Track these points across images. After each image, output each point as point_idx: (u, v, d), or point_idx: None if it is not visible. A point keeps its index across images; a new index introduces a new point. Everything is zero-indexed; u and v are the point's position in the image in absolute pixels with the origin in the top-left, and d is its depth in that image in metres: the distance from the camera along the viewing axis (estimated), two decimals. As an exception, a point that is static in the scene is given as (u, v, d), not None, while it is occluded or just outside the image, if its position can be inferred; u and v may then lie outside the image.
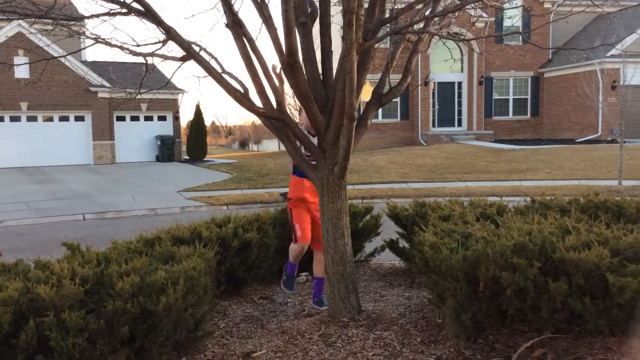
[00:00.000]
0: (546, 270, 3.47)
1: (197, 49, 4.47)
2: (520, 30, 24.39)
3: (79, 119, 23.51)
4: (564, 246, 3.49)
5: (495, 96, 26.97)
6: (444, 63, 23.30)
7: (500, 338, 3.76)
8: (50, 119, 23.18)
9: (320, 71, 4.57)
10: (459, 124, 26.73)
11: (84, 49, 6.07)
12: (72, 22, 5.10)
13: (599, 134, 23.83)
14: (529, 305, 3.49)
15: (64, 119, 23.35)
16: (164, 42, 4.67)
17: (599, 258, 3.32)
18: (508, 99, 27.23)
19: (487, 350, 3.64)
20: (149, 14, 4.41)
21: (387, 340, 3.93)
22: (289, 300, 5.22)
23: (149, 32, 8.38)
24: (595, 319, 3.33)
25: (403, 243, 5.97)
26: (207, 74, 4.45)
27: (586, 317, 3.35)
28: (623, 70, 15.23)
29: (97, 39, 4.82)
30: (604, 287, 3.27)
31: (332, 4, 4.70)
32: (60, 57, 6.77)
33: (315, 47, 4.58)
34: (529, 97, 27.33)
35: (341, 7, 3.75)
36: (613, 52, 21.19)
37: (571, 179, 15.40)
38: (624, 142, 14.83)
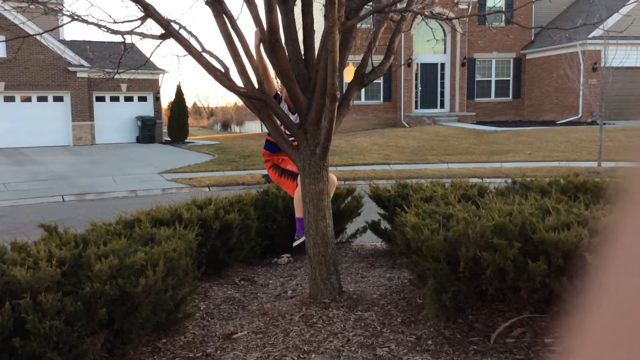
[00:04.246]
0: (526, 250, 3.49)
1: (176, 27, 4.38)
2: (503, 11, 24.41)
3: (58, 99, 23.10)
4: (544, 227, 3.52)
5: (478, 78, 27.02)
6: (427, 44, 23.24)
7: (480, 318, 3.79)
8: (29, 100, 22.75)
9: (302, 50, 4.51)
10: (442, 106, 26.76)
11: (60, 26, 5.93)
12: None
13: (579, 115, 24.03)
14: (509, 285, 3.51)
15: (43, 99, 22.93)
16: (143, 20, 4.57)
17: (578, 238, 3.35)
18: (490, 81, 27.30)
19: (467, 330, 3.67)
20: (126, -9, 4.31)
21: (368, 320, 3.94)
22: (270, 281, 5.21)
23: (127, 11, 8.22)
24: (573, 298, 3.37)
25: (385, 224, 5.98)
26: (186, 53, 4.37)
27: (564, 297, 3.38)
28: (604, 51, 15.32)
29: (73, 16, 4.71)
30: (583, 267, 3.30)
31: (313, -18, 4.62)
32: (36, 34, 6.61)
33: (297, 26, 4.52)
34: (510, 78, 27.42)
35: (323, -15, 3.69)
36: (594, 33, 21.30)
37: (552, 160, 15.55)
38: (604, 123, 14.97)
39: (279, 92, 4.81)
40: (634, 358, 0.28)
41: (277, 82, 4.85)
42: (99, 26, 4.67)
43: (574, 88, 21.01)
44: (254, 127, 46.89)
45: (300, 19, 4.49)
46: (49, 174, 15.63)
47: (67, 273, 3.44)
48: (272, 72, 4.60)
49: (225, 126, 57.38)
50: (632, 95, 23.43)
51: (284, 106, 4.76)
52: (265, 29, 4.14)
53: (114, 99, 24.37)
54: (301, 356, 3.47)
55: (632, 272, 0.30)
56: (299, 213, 4.95)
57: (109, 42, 22.32)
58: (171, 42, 4.44)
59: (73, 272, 3.48)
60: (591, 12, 19.08)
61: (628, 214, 0.31)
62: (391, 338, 3.64)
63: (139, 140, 24.17)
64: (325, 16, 3.68)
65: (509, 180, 5.64)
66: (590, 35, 21.76)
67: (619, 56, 15.58)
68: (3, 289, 3.23)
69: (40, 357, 3.18)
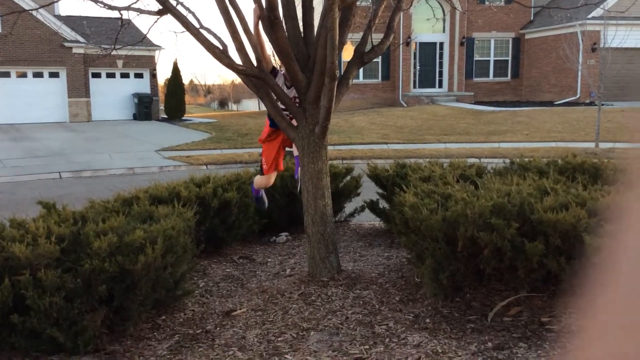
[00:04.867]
0: (524, 230, 3.51)
1: (174, 2, 4.33)
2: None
3: (54, 75, 22.91)
4: (542, 207, 3.53)
5: (477, 57, 26.87)
6: (426, 23, 23.05)
7: (477, 297, 3.82)
8: (24, 75, 22.56)
9: (301, 28, 4.47)
10: (440, 85, 26.64)
11: (57, 1, 5.86)
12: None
13: (577, 96, 23.97)
14: (506, 265, 3.53)
15: (38, 75, 22.74)
16: (140, -4, 4.52)
17: (576, 219, 3.36)
18: (489, 60, 27.15)
19: (464, 309, 3.70)
20: (124, -34, 4.25)
21: (367, 299, 3.97)
22: (269, 260, 5.23)
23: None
24: (570, 278, 3.39)
25: (383, 204, 5.98)
26: (184, 30, 4.33)
27: (561, 277, 3.41)
28: (604, 32, 15.22)
29: (69, -9, 4.65)
30: (580, 248, 3.32)
31: (314, -42, 4.56)
32: (32, 10, 6.52)
33: (296, 3, 4.47)
34: (509, 58, 27.27)
35: (323, -38, 3.65)
36: (594, 13, 21.14)
37: (549, 140, 15.54)
38: (602, 104, 14.95)
39: (275, 67, 4.77)
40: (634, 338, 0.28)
41: (276, 60, 4.82)
42: (96, 1, 4.62)
43: (573, 68, 20.92)
44: (252, 105, 46.64)
45: (300, -4, 4.44)
46: (46, 150, 15.58)
47: (66, 250, 3.45)
48: (268, 49, 4.56)
49: (223, 104, 57.08)
50: (631, 76, 23.37)
51: (280, 79, 4.71)
52: (264, 6, 4.10)
53: (110, 75, 24.17)
54: (300, 333, 3.50)
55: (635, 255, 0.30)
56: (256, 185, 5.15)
57: (105, 18, 22.08)
58: (168, 18, 4.40)
59: (72, 249, 3.48)
60: (592, -8, 18.90)
61: (631, 196, 0.30)
62: (389, 316, 3.67)
63: (136, 117, 24.05)
64: (326, -7, 3.64)
65: (507, 161, 5.64)
66: (590, 15, 21.61)
67: (618, 37, 15.49)
68: (2, 265, 3.24)
69: (40, 333, 3.20)
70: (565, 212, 3.41)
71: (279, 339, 3.45)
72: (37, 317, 3.15)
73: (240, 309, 3.92)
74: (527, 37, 26.93)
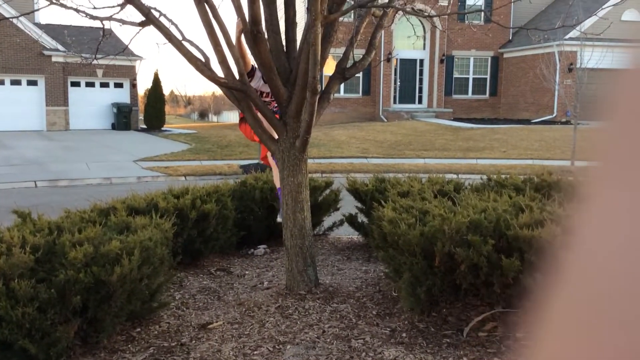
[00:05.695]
0: (500, 246, 3.55)
1: (156, 14, 4.34)
2: (483, 9, 24.55)
3: (32, 83, 22.64)
4: (518, 224, 3.58)
5: (456, 75, 27.21)
6: (407, 40, 23.31)
7: (454, 311, 3.85)
8: (2, 83, 22.26)
9: (283, 43, 4.50)
10: (420, 102, 26.91)
11: (37, 10, 5.83)
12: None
13: (554, 115, 24.37)
14: (482, 281, 3.57)
15: (16, 82, 22.45)
16: (123, 6, 4.52)
17: (551, 235, 3.42)
18: (468, 78, 27.52)
19: (441, 323, 3.73)
20: (107, -24, 4.24)
21: (344, 312, 3.97)
22: (246, 272, 5.21)
23: (106, -5, 8.09)
24: (540, 294, 3.43)
25: (362, 218, 6.01)
26: (167, 41, 4.33)
27: (537, 292, 3.45)
28: (580, 52, 15.55)
29: (51, 0, 4.63)
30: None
31: (297, -26, 4.61)
32: (12, 17, 6.45)
33: (279, 17, 4.50)
34: (488, 76, 27.68)
35: (306, -23, 3.69)
36: (571, 34, 21.59)
37: (526, 158, 15.77)
38: (578, 123, 15.22)
39: (254, 65, 4.73)
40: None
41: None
42: (78, 11, 4.60)
43: (550, 88, 21.30)
44: (232, 117, 46.54)
45: (283, 11, 4.48)
46: (22, 159, 15.35)
47: (41, 260, 3.40)
48: (249, 54, 4.54)
49: (203, 115, 56.90)
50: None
51: (258, 73, 4.65)
52: (248, 20, 4.13)
53: (90, 84, 23.96)
54: (276, 347, 3.48)
55: (585, 265, 0.32)
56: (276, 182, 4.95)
57: (86, 27, 21.91)
58: (150, 29, 4.40)
59: (47, 259, 3.44)
60: (569, 14, 19.31)
61: (581, 209, 0.33)
62: (366, 330, 3.68)
63: (114, 127, 23.84)
64: (308, 9, 3.68)
65: (484, 177, 5.72)
66: (567, 36, 22.06)
67: (594, 57, 15.83)
68: (-25, 275, 3.18)
69: (11, 345, 3.15)
70: (541, 229, 3.47)
71: (255, 352, 3.44)
72: (9, 328, 3.09)
73: (216, 322, 3.90)
74: (505, 56, 27.37)
